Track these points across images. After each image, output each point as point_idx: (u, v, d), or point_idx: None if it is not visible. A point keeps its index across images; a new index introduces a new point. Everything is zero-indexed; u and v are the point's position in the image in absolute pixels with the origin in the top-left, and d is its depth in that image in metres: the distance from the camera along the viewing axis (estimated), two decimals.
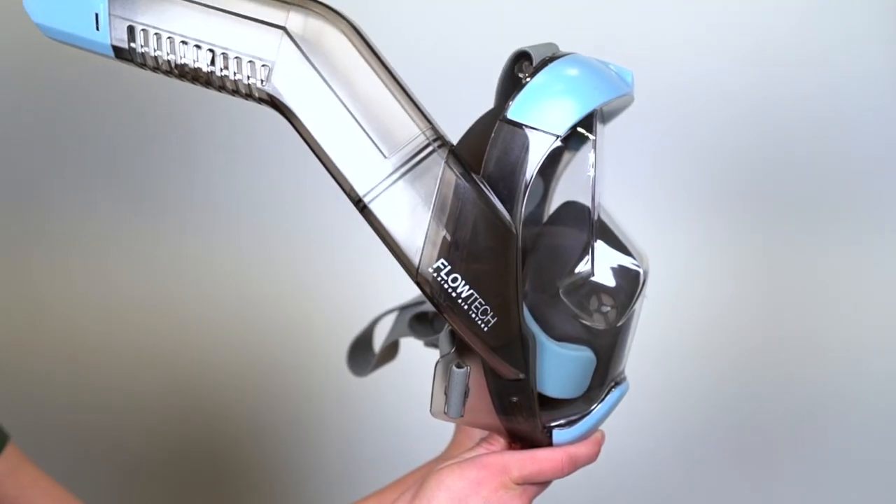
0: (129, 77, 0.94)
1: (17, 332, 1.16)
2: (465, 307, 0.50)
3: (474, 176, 0.50)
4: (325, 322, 1.15)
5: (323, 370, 1.17)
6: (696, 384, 1.18)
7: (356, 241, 1.07)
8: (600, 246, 0.58)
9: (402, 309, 0.74)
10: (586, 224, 0.58)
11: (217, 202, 1.15)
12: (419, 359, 0.80)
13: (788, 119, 1.11)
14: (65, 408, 1.18)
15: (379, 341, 0.78)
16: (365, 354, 0.78)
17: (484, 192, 0.49)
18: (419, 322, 0.71)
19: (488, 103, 0.57)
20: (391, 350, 0.77)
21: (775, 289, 1.16)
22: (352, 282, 1.14)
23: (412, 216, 0.49)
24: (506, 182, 0.51)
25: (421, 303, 0.72)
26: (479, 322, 0.50)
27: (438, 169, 0.49)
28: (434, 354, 0.72)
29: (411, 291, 0.59)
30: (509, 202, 0.51)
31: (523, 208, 0.51)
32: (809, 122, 1.11)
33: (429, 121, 0.49)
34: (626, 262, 0.59)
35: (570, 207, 0.60)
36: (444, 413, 0.54)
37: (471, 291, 0.49)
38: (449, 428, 0.71)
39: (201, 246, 1.16)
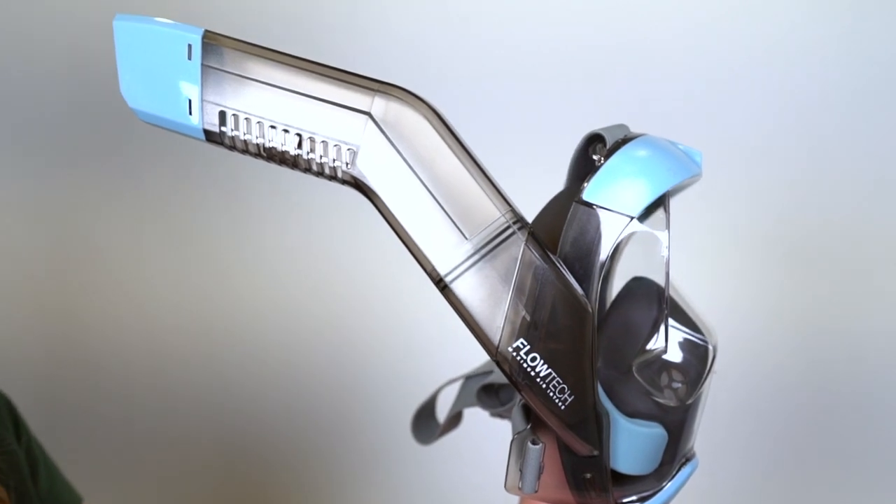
0: None
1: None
2: (544, 386, 0.50)
3: (552, 256, 0.51)
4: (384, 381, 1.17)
5: (372, 435, 1.18)
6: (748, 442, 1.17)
7: None
8: (670, 322, 0.59)
9: (467, 378, 0.75)
10: (655, 300, 0.59)
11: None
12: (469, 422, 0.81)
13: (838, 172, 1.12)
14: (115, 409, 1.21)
15: (441, 408, 0.79)
16: (428, 423, 0.79)
17: (562, 272, 0.51)
18: (486, 393, 0.72)
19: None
20: (455, 418, 0.77)
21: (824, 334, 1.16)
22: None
23: (492, 296, 0.50)
24: (582, 262, 0.52)
25: (486, 373, 0.73)
26: (557, 400, 0.51)
27: (518, 250, 0.50)
28: (496, 423, 0.74)
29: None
30: (585, 282, 0.52)
31: (599, 288, 0.52)
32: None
33: (508, 202, 0.51)
34: (696, 337, 0.59)
35: (638, 283, 0.61)
36: (518, 489, 0.55)
37: (549, 370, 0.50)
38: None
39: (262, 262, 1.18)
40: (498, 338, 0.50)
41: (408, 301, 1.17)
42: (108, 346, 1.20)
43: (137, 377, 1.21)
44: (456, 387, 0.77)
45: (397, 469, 1.22)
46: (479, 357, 0.72)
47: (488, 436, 0.84)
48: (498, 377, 0.70)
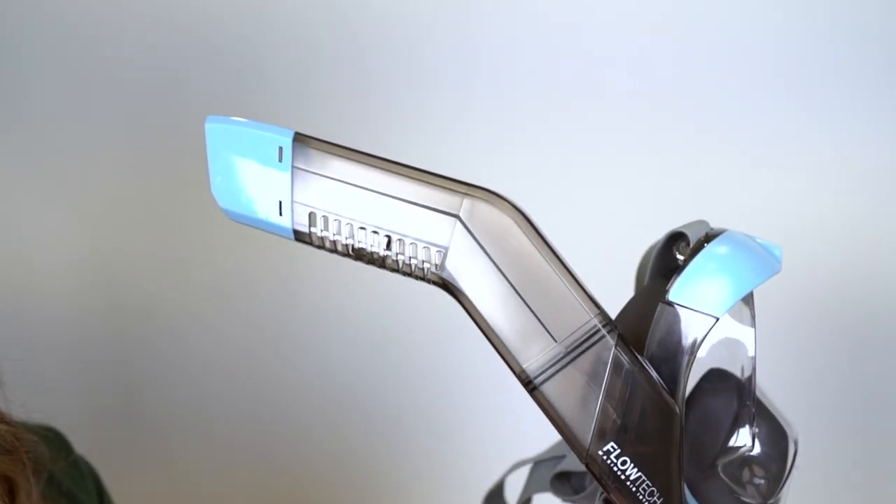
0: None
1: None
2: (633, 489, 0.50)
3: (640, 358, 0.51)
4: None
5: None
6: None
7: None
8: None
9: (536, 463, 0.75)
10: (735, 394, 0.58)
11: None
12: None
13: None
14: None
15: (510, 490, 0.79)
16: None
17: (651, 375, 0.51)
18: (559, 480, 0.71)
19: None
20: (526, 503, 0.77)
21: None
22: None
23: (582, 399, 0.50)
24: (668, 364, 0.52)
25: (556, 458, 0.73)
26: (646, 503, 0.51)
27: (608, 354, 0.50)
28: None
29: None
30: (672, 383, 0.52)
31: (685, 389, 0.52)
32: None
33: (596, 305, 0.51)
34: (777, 431, 0.59)
35: (717, 376, 0.60)
36: None
37: (639, 473, 0.50)
38: None
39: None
40: (588, 440, 0.50)
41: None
42: (153, 379, 1.23)
43: (181, 416, 1.23)
44: (524, 469, 0.77)
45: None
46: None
47: None
48: (571, 464, 0.70)
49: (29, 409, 0.72)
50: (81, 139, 1.19)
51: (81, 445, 0.82)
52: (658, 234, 0.62)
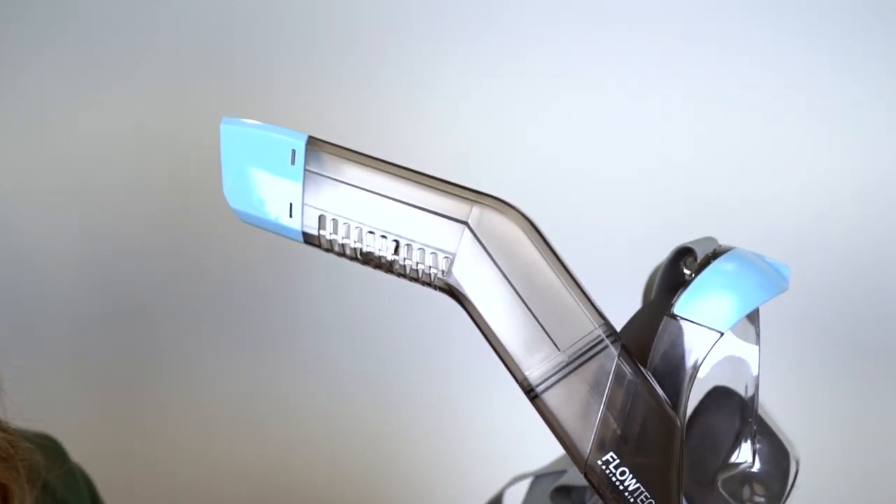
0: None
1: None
2: (631, 500, 0.50)
3: (643, 370, 0.51)
4: None
5: None
6: None
7: None
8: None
9: (537, 477, 0.75)
10: (737, 411, 0.59)
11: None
12: None
13: None
14: None
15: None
16: None
17: (653, 387, 0.51)
18: (559, 494, 0.72)
19: None
20: None
21: None
22: None
23: (583, 408, 0.50)
24: (671, 377, 0.52)
25: (557, 473, 0.73)
26: None
27: (611, 364, 0.50)
28: None
29: None
30: (674, 396, 0.52)
31: (687, 402, 0.52)
32: None
33: (601, 315, 0.51)
34: (779, 451, 0.59)
35: (720, 393, 0.61)
36: None
37: (637, 485, 0.50)
38: None
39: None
40: (587, 450, 0.50)
41: None
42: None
43: None
44: (523, 484, 0.77)
45: None
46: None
47: None
48: (572, 479, 0.70)
49: (27, 416, 0.73)
50: (85, 136, 1.20)
51: (78, 449, 0.82)
52: (663, 248, 0.62)
